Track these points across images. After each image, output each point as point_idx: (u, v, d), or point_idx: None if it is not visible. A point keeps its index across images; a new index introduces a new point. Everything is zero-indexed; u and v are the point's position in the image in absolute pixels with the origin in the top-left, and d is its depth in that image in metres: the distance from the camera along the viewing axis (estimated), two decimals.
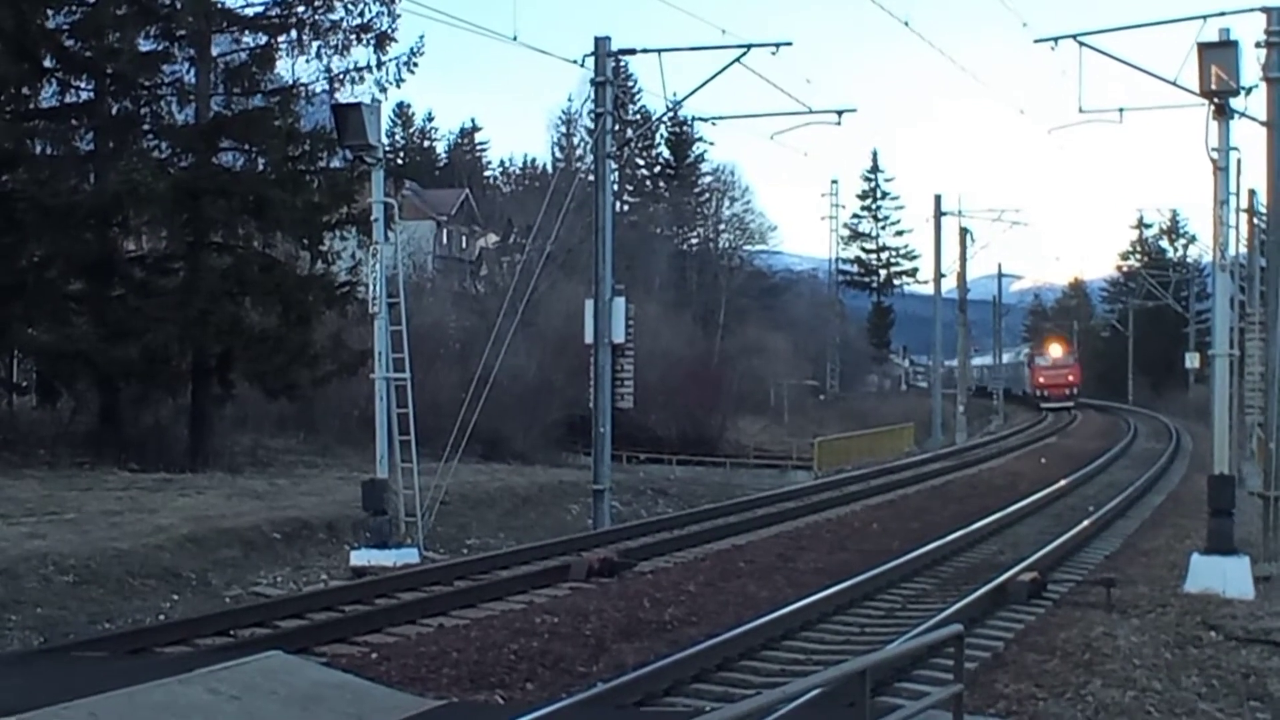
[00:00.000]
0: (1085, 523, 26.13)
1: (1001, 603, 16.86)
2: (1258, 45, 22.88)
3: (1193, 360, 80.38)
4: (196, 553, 21.47)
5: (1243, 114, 21.05)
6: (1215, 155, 19.40)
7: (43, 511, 23.90)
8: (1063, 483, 36.06)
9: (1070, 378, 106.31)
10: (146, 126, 36.01)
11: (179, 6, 34.43)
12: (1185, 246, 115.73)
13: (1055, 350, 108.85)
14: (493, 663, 12.86)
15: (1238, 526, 20.68)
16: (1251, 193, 35.24)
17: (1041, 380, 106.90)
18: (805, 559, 21.34)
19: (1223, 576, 18.70)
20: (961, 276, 71.97)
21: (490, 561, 20.90)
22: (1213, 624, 16.31)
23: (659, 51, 29.71)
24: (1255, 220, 36.22)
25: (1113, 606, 16.95)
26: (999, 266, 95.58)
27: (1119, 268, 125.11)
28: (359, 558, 21.17)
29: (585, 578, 18.81)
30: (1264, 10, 23.10)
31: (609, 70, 29.63)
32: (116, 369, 33.62)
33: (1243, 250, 34.28)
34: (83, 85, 35.85)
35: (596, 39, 29.31)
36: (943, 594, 17.92)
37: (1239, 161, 24.19)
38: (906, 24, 36.04)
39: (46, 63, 34.80)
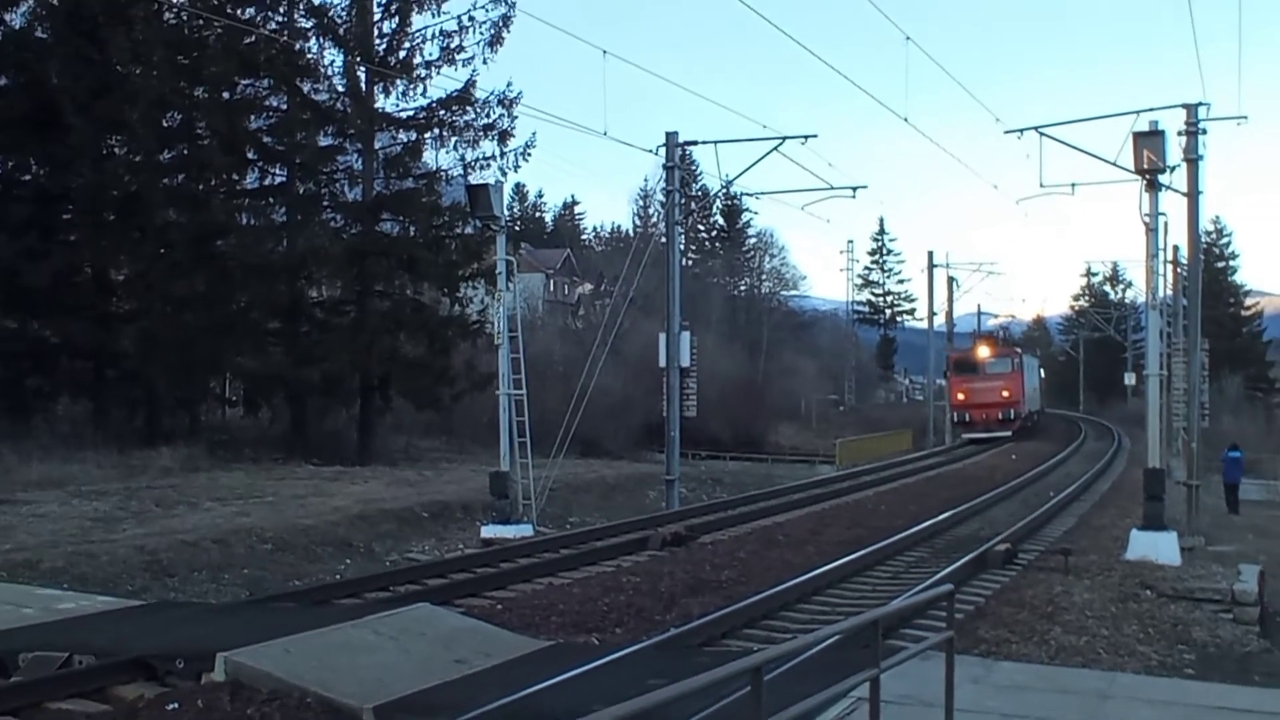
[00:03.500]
0: (1046, 505, 25.88)
1: (982, 568, 16.75)
2: (1180, 134, 23.14)
3: (1130, 379, 79.18)
4: (364, 527, 21.67)
5: (1168, 187, 20.95)
6: (1147, 219, 19.34)
7: (248, 496, 24.22)
8: (1029, 474, 35.67)
9: (1005, 393, 56.96)
10: (325, 203, 36.60)
11: (349, 112, 34.92)
12: (1124, 290, 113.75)
13: (982, 352, 59.50)
14: (590, 613, 12.87)
15: (1167, 508, 20.54)
16: (1175, 248, 34.94)
17: (961, 397, 57.91)
18: (829, 533, 21.23)
19: (1155, 547, 18.61)
20: (949, 314, 71.10)
21: (588, 534, 20.93)
22: (1148, 584, 16.21)
23: (715, 143, 30.33)
24: (1179, 270, 35.87)
25: (1069, 570, 16.81)
26: (978, 306, 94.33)
27: (1072, 306, 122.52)
28: (487, 531, 21.24)
29: (660, 547, 18.79)
30: (1184, 107, 23.43)
31: (677, 157, 29.70)
32: (303, 387, 34.17)
33: (1169, 293, 33.86)
34: (277, 171, 36.45)
35: (667, 134, 29.39)
36: (936, 561, 17.78)
37: (1166, 224, 24.28)
38: (906, 119, 36.18)
39: (250, 155, 35.40)
